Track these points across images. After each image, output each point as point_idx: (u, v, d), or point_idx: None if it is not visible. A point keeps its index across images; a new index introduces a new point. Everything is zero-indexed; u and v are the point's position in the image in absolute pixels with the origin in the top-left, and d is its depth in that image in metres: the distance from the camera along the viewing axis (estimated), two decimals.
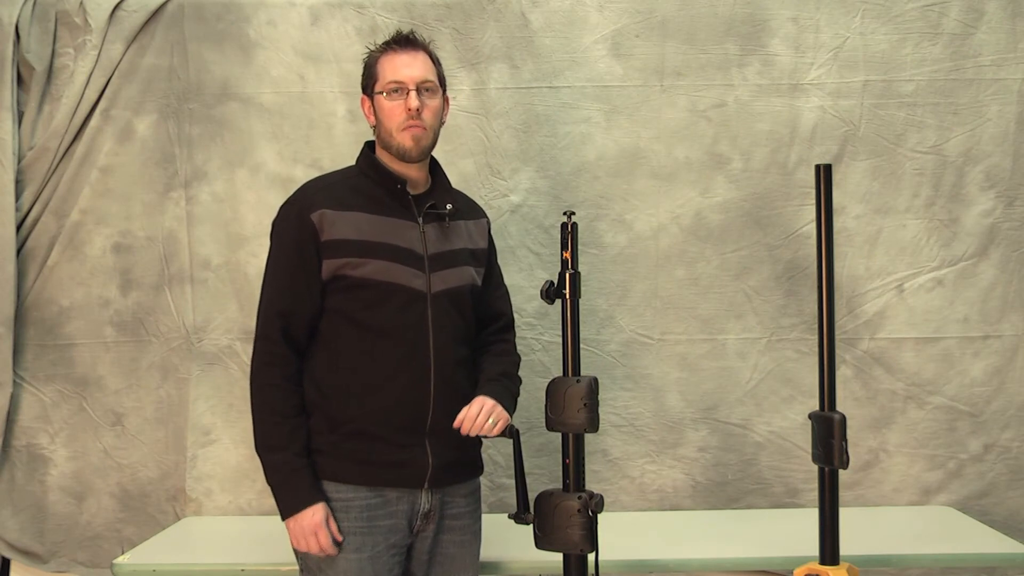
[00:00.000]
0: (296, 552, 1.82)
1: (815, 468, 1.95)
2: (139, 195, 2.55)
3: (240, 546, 2.27)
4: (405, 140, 1.80)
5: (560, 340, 1.79)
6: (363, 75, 1.89)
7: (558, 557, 1.77)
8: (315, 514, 1.72)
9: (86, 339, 2.56)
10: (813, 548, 1.95)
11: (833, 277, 1.93)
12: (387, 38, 1.87)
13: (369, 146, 1.90)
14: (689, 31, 2.52)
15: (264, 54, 2.53)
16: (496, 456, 2.55)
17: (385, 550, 1.77)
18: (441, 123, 1.88)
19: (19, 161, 2.50)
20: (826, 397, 1.92)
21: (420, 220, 1.82)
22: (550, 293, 1.78)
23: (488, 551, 2.11)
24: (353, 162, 1.91)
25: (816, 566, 1.91)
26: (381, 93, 1.82)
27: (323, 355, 1.79)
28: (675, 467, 2.57)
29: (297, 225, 1.78)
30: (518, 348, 1.98)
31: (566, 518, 1.71)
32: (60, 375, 2.56)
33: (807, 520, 2.12)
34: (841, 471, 1.93)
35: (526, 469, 1.85)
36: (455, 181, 2.48)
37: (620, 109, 2.53)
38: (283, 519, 1.75)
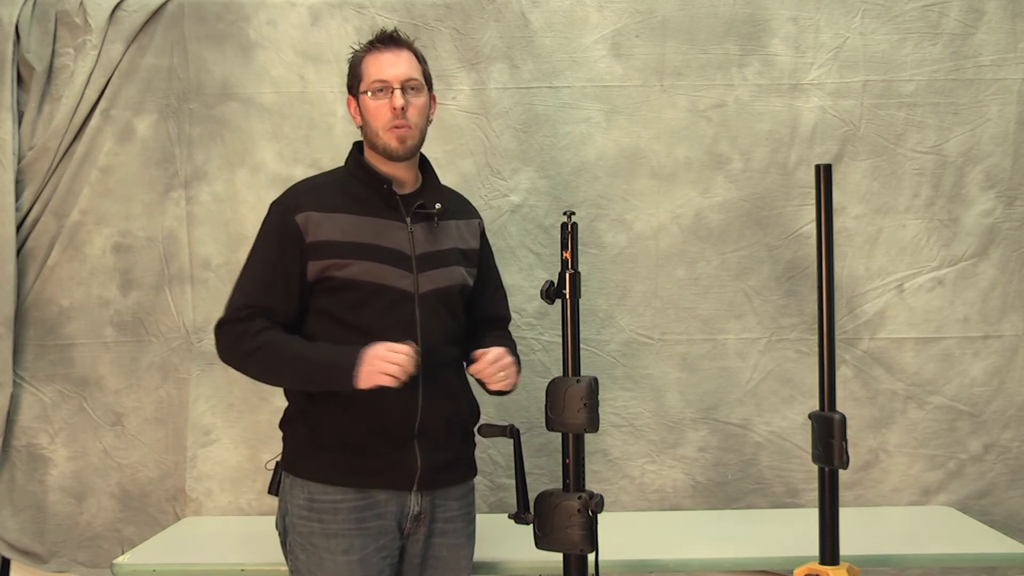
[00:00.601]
0: (286, 555, 1.82)
1: (815, 468, 1.95)
2: (139, 195, 2.55)
3: (240, 546, 2.27)
4: (391, 140, 1.79)
5: (560, 340, 1.78)
6: (348, 75, 1.88)
7: (558, 557, 1.77)
8: (376, 345, 1.67)
9: (86, 339, 2.56)
10: (813, 548, 1.95)
11: (833, 277, 1.93)
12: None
13: (358, 146, 1.89)
14: (689, 31, 2.52)
15: (264, 54, 2.53)
16: (496, 456, 2.55)
17: (375, 552, 1.76)
18: (428, 121, 1.87)
19: (19, 161, 2.50)
20: (826, 397, 1.92)
21: (408, 220, 1.81)
22: (550, 293, 1.77)
23: (488, 551, 2.11)
24: None
25: (816, 566, 1.91)
26: (366, 93, 1.81)
27: None
28: (675, 467, 2.57)
29: (282, 226, 1.77)
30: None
31: (566, 518, 1.71)
32: (60, 375, 2.56)
33: (807, 520, 2.12)
34: (841, 471, 1.93)
35: (526, 469, 1.85)
36: (455, 181, 2.50)
37: (620, 109, 2.53)
38: (354, 380, 1.66)
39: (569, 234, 1.79)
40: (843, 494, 2.33)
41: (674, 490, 2.57)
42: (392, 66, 1.80)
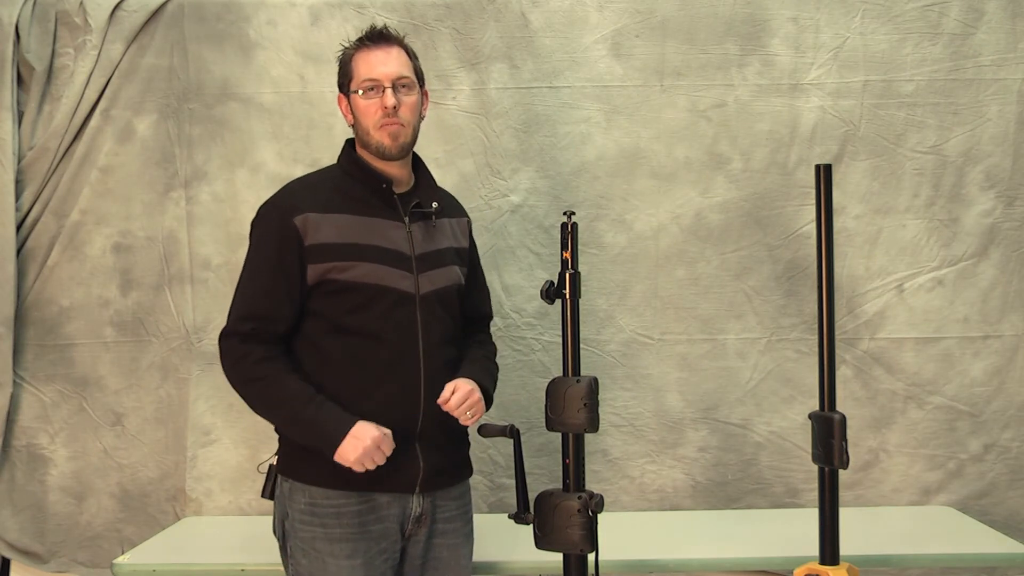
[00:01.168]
0: (285, 560, 1.80)
1: (815, 468, 1.95)
2: (139, 195, 2.55)
3: (240, 546, 2.27)
4: (383, 138, 1.76)
5: (560, 340, 1.78)
6: (339, 73, 1.86)
7: (558, 557, 1.77)
8: (367, 427, 1.66)
9: (86, 339, 2.56)
10: (813, 548, 1.95)
11: (833, 277, 1.93)
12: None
13: (350, 144, 1.87)
14: (689, 31, 2.52)
15: (264, 54, 2.53)
16: (496, 456, 2.55)
17: (377, 555, 1.75)
18: (421, 118, 1.84)
19: (19, 161, 2.50)
20: (826, 397, 1.92)
21: (406, 220, 1.79)
22: (550, 293, 1.77)
23: (488, 551, 2.11)
24: None
25: (816, 566, 1.91)
26: (357, 92, 1.78)
27: (308, 360, 1.75)
28: (675, 467, 2.57)
29: (279, 229, 1.73)
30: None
31: (566, 518, 1.71)
32: (60, 375, 2.56)
33: (807, 520, 2.12)
34: (841, 471, 1.93)
35: (526, 469, 1.84)
36: (455, 181, 2.50)
37: (620, 109, 2.53)
38: (333, 452, 1.66)
39: (569, 234, 1.79)
40: (843, 494, 2.34)
41: (674, 490, 2.57)
42: (383, 64, 1.77)
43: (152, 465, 2.56)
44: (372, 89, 1.77)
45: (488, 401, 1.84)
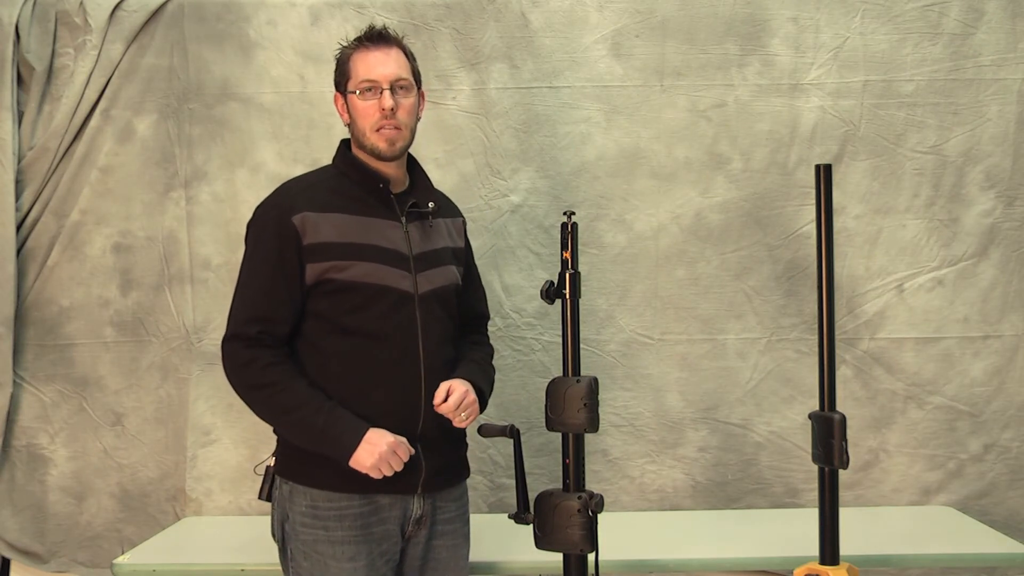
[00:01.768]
0: (286, 562, 1.78)
1: (815, 468, 1.95)
2: (139, 195, 2.55)
3: (240, 546, 2.27)
4: (379, 141, 1.76)
5: (560, 340, 1.78)
6: (335, 72, 1.84)
7: (558, 557, 1.77)
8: (382, 434, 1.67)
9: (86, 339, 2.56)
10: (813, 548, 1.95)
11: (833, 277, 1.93)
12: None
13: (345, 144, 1.86)
14: (689, 31, 2.52)
15: (264, 54, 2.53)
16: (496, 456, 2.55)
17: (379, 556, 1.75)
18: (417, 119, 1.83)
19: (19, 161, 2.50)
20: (826, 397, 1.92)
21: (403, 219, 1.79)
22: (550, 293, 1.77)
23: (488, 551, 2.11)
24: None
25: (816, 566, 1.91)
26: (354, 92, 1.77)
27: (307, 361, 1.75)
28: (675, 467, 2.57)
29: (277, 228, 1.72)
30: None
31: (566, 518, 1.71)
32: (60, 375, 2.56)
33: (807, 520, 2.12)
34: (841, 471, 1.93)
35: (526, 469, 1.84)
36: (455, 181, 2.50)
37: (620, 109, 2.53)
38: (347, 459, 1.66)
39: (569, 234, 1.79)
40: (843, 494, 2.34)
41: (674, 490, 2.57)
42: (381, 65, 1.76)
43: (152, 465, 2.56)
44: (370, 90, 1.76)
45: (483, 403, 1.84)
